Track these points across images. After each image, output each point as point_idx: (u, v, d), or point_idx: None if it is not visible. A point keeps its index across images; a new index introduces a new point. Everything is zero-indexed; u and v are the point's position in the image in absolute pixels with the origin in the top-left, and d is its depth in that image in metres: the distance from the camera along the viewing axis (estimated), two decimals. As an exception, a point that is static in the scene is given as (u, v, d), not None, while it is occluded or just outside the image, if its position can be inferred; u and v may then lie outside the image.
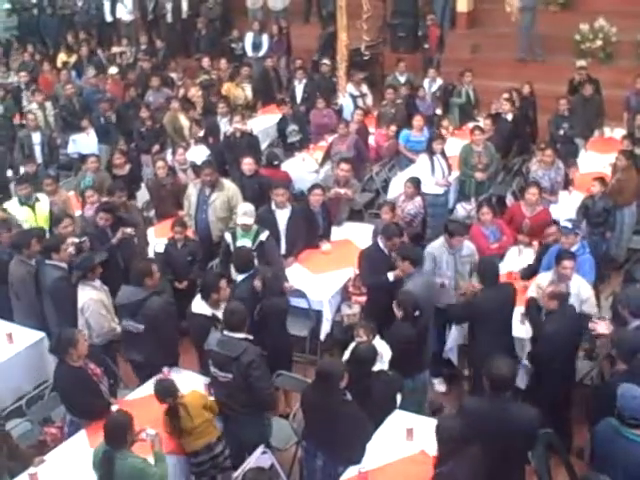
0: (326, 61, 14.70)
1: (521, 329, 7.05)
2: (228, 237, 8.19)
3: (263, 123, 13.25)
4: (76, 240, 8.12)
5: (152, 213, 10.19)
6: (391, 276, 7.35)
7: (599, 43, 14.65)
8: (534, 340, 6.66)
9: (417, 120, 11.34)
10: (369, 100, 13.73)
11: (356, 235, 9.16)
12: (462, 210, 10.22)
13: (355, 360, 6.01)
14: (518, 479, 5.64)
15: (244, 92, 14.14)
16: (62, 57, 16.93)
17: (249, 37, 16.72)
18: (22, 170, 10.77)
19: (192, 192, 9.16)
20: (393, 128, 11.80)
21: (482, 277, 6.94)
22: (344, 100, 13.52)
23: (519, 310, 7.10)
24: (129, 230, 8.39)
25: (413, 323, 6.57)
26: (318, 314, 8.05)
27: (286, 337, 7.25)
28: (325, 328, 8.09)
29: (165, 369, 6.62)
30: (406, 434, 5.89)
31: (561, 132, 11.52)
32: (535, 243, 8.50)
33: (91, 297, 7.03)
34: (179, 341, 7.19)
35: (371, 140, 11.86)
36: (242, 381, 5.93)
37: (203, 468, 5.97)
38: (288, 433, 6.42)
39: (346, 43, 13.90)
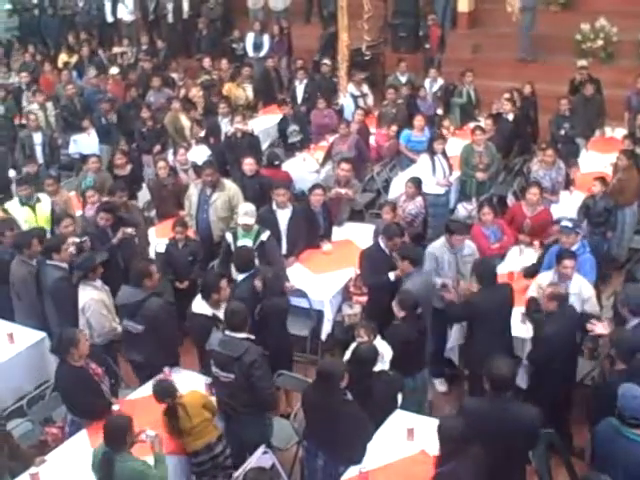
0: (327, 61, 14.70)
1: (522, 329, 7.05)
2: (229, 237, 8.20)
3: (264, 123, 13.25)
4: (77, 240, 8.13)
5: (153, 213, 10.20)
6: (392, 276, 7.36)
7: (600, 43, 14.65)
8: (534, 340, 6.65)
9: (418, 120, 11.35)
10: (370, 100, 13.73)
11: (357, 235, 9.16)
12: (463, 210, 10.22)
13: (356, 360, 6.01)
14: (519, 479, 5.64)
15: (245, 92, 14.16)
16: (63, 57, 16.94)
17: (250, 37, 16.71)
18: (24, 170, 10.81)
19: (193, 192, 9.16)
20: (394, 128, 11.81)
21: (479, 277, 6.94)
22: (345, 100, 13.52)
23: (520, 310, 7.11)
24: (130, 230, 8.40)
25: (414, 322, 6.57)
26: (319, 314, 8.05)
27: (286, 337, 7.25)
28: (326, 328, 8.09)
29: (166, 369, 6.62)
30: (407, 434, 5.89)
31: (562, 132, 11.53)
32: (536, 243, 8.50)
33: (92, 297, 7.03)
34: (179, 341, 7.20)
35: (372, 140, 11.86)
36: (244, 381, 5.93)
37: (204, 468, 5.97)
38: (289, 433, 6.42)
39: (347, 43, 13.90)
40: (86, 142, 12.15)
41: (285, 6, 17.74)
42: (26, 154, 11.49)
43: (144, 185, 10.75)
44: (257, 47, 16.60)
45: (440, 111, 13.20)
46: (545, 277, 7.28)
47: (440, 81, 13.76)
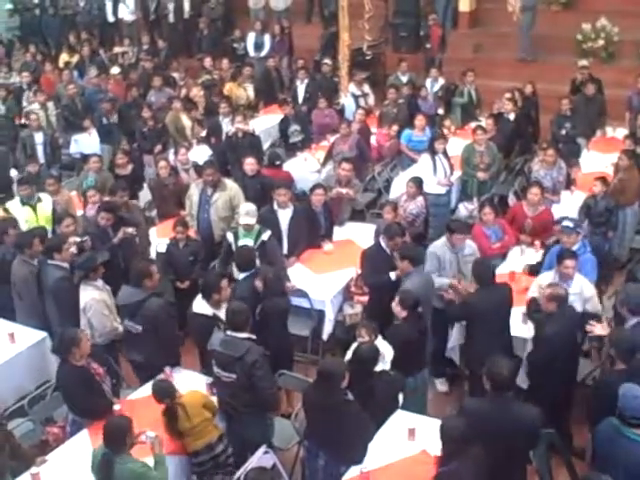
0: (327, 61, 14.70)
1: (523, 329, 7.05)
2: (230, 237, 8.20)
3: (265, 123, 13.25)
4: (78, 239, 8.13)
5: (154, 213, 10.20)
6: (393, 276, 7.36)
7: (601, 43, 14.65)
8: (535, 340, 6.65)
9: (419, 120, 11.35)
10: (371, 100, 13.73)
11: (358, 235, 9.16)
12: (464, 210, 10.21)
13: (357, 360, 6.01)
14: (520, 479, 5.64)
15: (246, 92, 14.15)
16: (64, 57, 16.93)
17: (251, 37, 16.71)
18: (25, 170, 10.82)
19: (194, 192, 9.16)
20: (395, 128, 11.82)
21: (477, 278, 6.94)
22: (346, 100, 13.52)
23: (521, 310, 7.11)
24: (130, 230, 8.40)
25: (415, 321, 6.58)
26: (320, 314, 8.04)
27: (287, 337, 7.25)
28: (327, 328, 8.09)
29: (167, 369, 6.63)
30: (408, 434, 5.89)
31: (563, 132, 11.53)
32: (537, 243, 8.50)
33: (93, 297, 7.03)
34: (180, 342, 7.20)
35: (373, 140, 11.86)
36: (246, 381, 5.94)
37: (204, 468, 5.97)
38: (290, 433, 6.42)
39: (348, 43, 13.89)
40: (87, 142, 12.15)
41: (286, 6, 17.73)
42: (27, 154, 11.50)
43: (145, 185, 10.76)
44: (258, 47, 16.59)
45: (441, 111, 13.20)
46: (546, 277, 7.28)
47: (441, 81, 13.76)
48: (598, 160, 10.84)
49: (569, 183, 9.95)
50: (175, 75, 15.09)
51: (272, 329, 6.82)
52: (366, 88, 13.82)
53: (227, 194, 8.97)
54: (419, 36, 16.25)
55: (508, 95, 11.99)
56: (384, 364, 6.20)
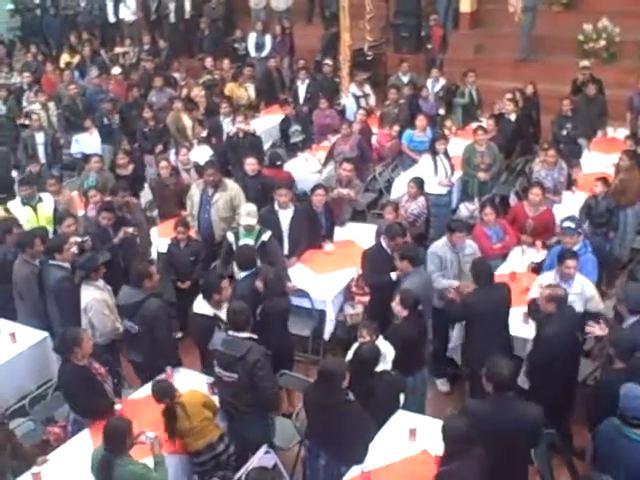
0: (328, 61, 14.70)
1: (524, 329, 7.05)
2: (230, 237, 8.21)
3: (266, 123, 13.25)
4: (78, 239, 8.14)
5: (155, 213, 10.20)
6: (394, 276, 7.36)
7: (602, 43, 14.65)
8: (535, 340, 6.65)
9: (420, 120, 11.35)
10: (372, 100, 13.74)
11: (359, 235, 9.16)
12: (465, 210, 10.21)
13: (358, 360, 6.01)
14: (521, 479, 5.64)
15: (247, 92, 14.15)
16: (65, 57, 16.93)
17: (252, 37, 16.71)
18: (27, 170, 10.83)
19: (195, 192, 9.16)
20: (396, 128, 11.81)
21: (475, 277, 6.95)
22: (347, 100, 13.53)
23: (522, 310, 7.12)
24: (130, 230, 8.41)
25: (416, 320, 6.59)
26: (321, 314, 8.04)
27: (288, 337, 7.25)
28: (329, 328, 8.09)
29: (168, 369, 6.63)
30: (409, 434, 5.90)
31: (564, 132, 11.53)
32: (538, 243, 8.50)
33: (94, 297, 7.04)
34: (176, 343, 7.20)
35: (373, 140, 11.86)
36: (247, 380, 5.94)
37: (206, 467, 5.97)
38: (291, 432, 6.43)
39: (349, 43, 13.89)
40: (88, 142, 12.16)
41: (287, 6, 17.75)
42: (28, 154, 11.51)
43: (146, 185, 10.76)
44: (259, 47, 16.59)
45: (442, 111, 13.21)
46: (547, 277, 7.28)
47: (442, 81, 13.75)
48: (599, 160, 10.83)
49: (570, 183, 9.94)
50: (176, 75, 15.10)
51: (273, 329, 6.82)
52: (367, 88, 13.83)
53: (228, 194, 8.98)
54: (420, 37, 16.25)
55: (509, 95, 11.99)
56: (385, 364, 6.20)
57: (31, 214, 9.12)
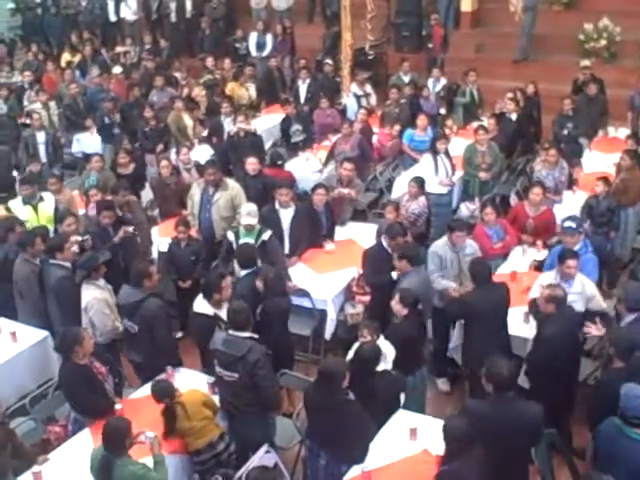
0: (329, 61, 14.70)
1: (524, 328, 7.05)
2: (231, 236, 8.21)
3: (267, 123, 13.25)
4: (79, 238, 8.14)
5: (156, 212, 10.20)
6: (394, 275, 7.35)
7: (603, 43, 14.63)
8: (535, 340, 6.65)
9: (421, 120, 11.34)
10: (373, 100, 13.74)
11: (360, 235, 9.16)
12: (466, 210, 10.21)
13: (359, 360, 6.01)
14: (522, 479, 5.64)
15: (248, 92, 14.16)
16: (66, 57, 16.94)
17: (253, 37, 16.72)
18: (27, 170, 10.83)
19: (195, 191, 9.17)
20: (397, 128, 11.81)
21: (474, 277, 6.96)
22: (348, 100, 13.52)
23: (522, 310, 7.12)
24: (130, 229, 8.42)
25: (416, 319, 6.59)
26: (321, 313, 8.04)
27: (288, 337, 7.24)
28: (330, 328, 8.08)
29: (169, 369, 6.64)
30: (409, 434, 5.89)
31: (565, 132, 11.53)
32: (539, 243, 8.50)
33: (95, 296, 7.04)
34: (175, 343, 7.20)
35: (374, 140, 11.86)
36: (248, 380, 5.94)
37: (206, 467, 5.97)
38: (292, 432, 6.42)
39: (350, 43, 13.89)
40: (89, 141, 12.17)
41: (288, 5, 17.74)
42: (29, 153, 11.51)
43: (147, 184, 10.76)
44: (260, 46, 16.59)
45: (443, 111, 13.21)
46: (548, 277, 7.28)
47: (443, 81, 13.75)
48: (600, 160, 10.83)
49: (571, 183, 9.94)
50: (177, 75, 15.09)
51: (273, 329, 6.82)
52: (368, 88, 13.82)
53: (229, 194, 8.98)
54: (421, 36, 16.24)
55: (510, 95, 11.99)
56: (386, 364, 6.19)
57: (31, 213, 9.12)
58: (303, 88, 14.01)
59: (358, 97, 13.47)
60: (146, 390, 6.52)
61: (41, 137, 11.81)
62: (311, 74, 14.40)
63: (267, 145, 12.30)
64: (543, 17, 14.96)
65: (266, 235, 8.05)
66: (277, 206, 8.65)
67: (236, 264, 7.54)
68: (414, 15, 16.42)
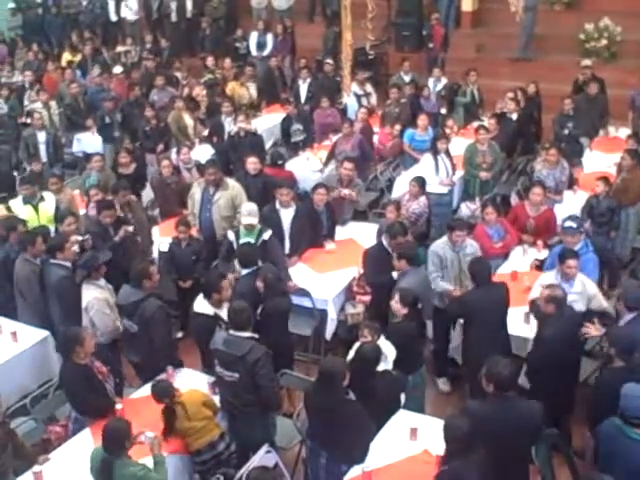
0: (330, 60, 14.70)
1: (525, 328, 7.05)
2: (231, 235, 8.21)
3: (267, 122, 13.25)
4: (79, 238, 8.14)
5: (156, 212, 10.20)
6: (395, 275, 7.35)
7: (604, 42, 14.64)
8: (535, 340, 6.65)
9: (422, 119, 11.34)
10: (373, 99, 13.72)
11: (360, 234, 9.16)
12: (466, 209, 10.20)
13: (359, 360, 6.01)
14: (522, 479, 5.64)
15: (248, 91, 14.15)
16: (67, 56, 16.94)
17: (253, 36, 16.73)
18: (28, 169, 10.83)
19: (196, 191, 9.16)
20: (397, 127, 11.81)
21: (473, 276, 6.96)
22: (348, 99, 13.51)
23: (523, 310, 7.12)
24: (130, 228, 8.42)
25: (415, 318, 6.59)
26: (322, 313, 8.04)
27: (288, 337, 7.24)
28: (330, 328, 8.08)
29: (170, 369, 6.64)
30: (410, 433, 5.89)
31: (566, 131, 11.52)
32: (540, 243, 8.50)
33: (95, 296, 7.04)
34: (176, 344, 7.19)
35: (375, 139, 11.85)
36: (248, 380, 5.94)
37: (207, 467, 5.97)
38: (292, 432, 6.42)
39: (351, 42, 13.88)
40: (89, 141, 12.18)
41: (289, 5, 17.75)
42: (30, 153, 11.51)
43: (147, 184, 10.76)
44: (260, 46, 16.60)
45: (444, 110, 13.20)
46: (548, 277, 7.28)
47: (444, 80, 13.75)
48: (601, 160, 10.83)
49: (572, 183, 9.94)
50: (178, 74, 15.07)
51: (273, 329, 6.81)
52: (368, 87, 13.81)
53: (229, 193, 8.97)
54: (422, 36, 16.25)
55: (511, 95, 11.99)
56: (386, 364, 6.19)
57: (32, 213, 9.12)
58: (304, 88, 14.01)
59: (359, 97, 13.46)
60: (146, 390, 6.51)
61: (42, 137, 11.81)
62: (312, 74, 14.40)
63: (268, 145, 12.30)
64: (544, 17, 14.97)
65: (266, 235, 8.05)
66: (278, 206, 8.65)
67: (237, 263, 7.54)
68: (415, 15, 16.43)
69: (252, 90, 14.25)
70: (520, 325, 7.12)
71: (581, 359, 6.77)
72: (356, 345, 6.33)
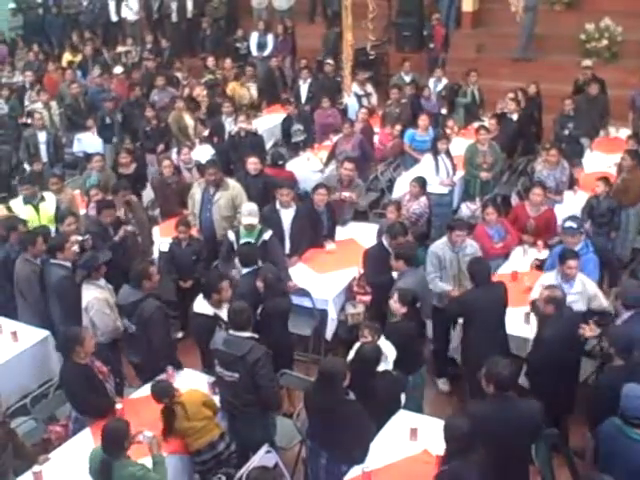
0: (330, 60, 14.70)
1: (525, 328, 7.05)
2: (231, 235, 8.21)
3: (268, 123, 13.25)
4: (79, 238, 8.14)
5: (157, 212, 10.20)
6: (395, 275, 7.35)
7: (604, 43, 14.64)
8: (535, 341, 6.65)
9: (422, 120, 11.34)
10: (374, 100, 13.72)
11: (360, 235, 9.15)
12: (467, 210, 10.20)
13: (360, 360, 6.01)
14: (523, 479, 5.64)
15: (249, 92, 14.16)
16: (67, 56, 16.95)
17: (254, 37, 16.74)
18: (27, 169, 10.82)
19: (196, 191, 9.16)
20: (398, 127, 11.82)
21: (472, 277, 6.96)
22: (349, 100, 13.51)
23: (523, 310, 7.12)
24: (130, 228, 8.42)
25: (414, 317, 6.59)
26: (322, 313, 8.04)
27: (287, 337, 7.24)
28: (331, 328, 8.08)
29: (170, 369, 6.64)
30: (410, 434, 5.89)
31: (566, 132, 11.51)
32: (540, 243, 8.50)
33: (95, 296, 7.04)
34: (174, 344, 7.20)
35: (375, 140, 11.85)
36: (248, 380, 5.94)
37: (207, 467, 5.97)
38: (292, 432, 6.42)
39: (351, 43, 13.87)
40: (90, 141, 12.19)
41: (289, 5, 17.76)
42: (30, 153, 11.52)
43: (148, 184, 10.76)
44: (261, 46, 16.61)
45: (444, 111, 13.19)
46: (548, 277, 7.28)
47: (444, 81, 13.75)
48: (601, 160, 10.83)
49: (572, 183, 9.94)
50: (178, 74, 15.07)
51: (273, 329, 6.82)
52: (369, 88, 13.81)
53: (229, 193, 8.97)
54: (422, 36, 16.26)
55: (511, 95, 11.99)
56: (387, 364, 6.19)
57: (32, 213, 9.12)
58: (304, 88, 14.01)
59: (359, 97, 13.45)
60: (147, 390, 6.51)
61: (42, 137, 11.82)
62: (312, 74, 14.40)
63: (268, 145, 12.30)
64: (544, 17, 14.97)
65: (267, 235, 8.05)
66: (278, 206, 8.65)
67: (237, 262, 7.54)
68: (415, 15, 16.44)
69: (253, 90, 14.26)
70: (520, 325, 7.12)
71: (581, 359, 6.76)
72: (356, 345, 6.33)
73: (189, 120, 12.39)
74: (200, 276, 8.19)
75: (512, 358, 6.45)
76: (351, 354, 6.31)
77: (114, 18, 18.93)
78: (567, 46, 14.82)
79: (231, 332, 6.14)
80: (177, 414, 5.87)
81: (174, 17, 18.26)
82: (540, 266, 8.05)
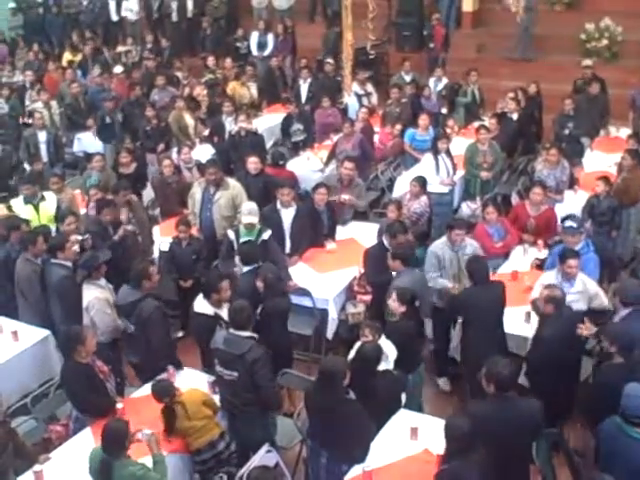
0: (330, 60, 14.69)
1: (526, 328, 7.05)
2: (231, 235, 8.20)
3: (268, 122, 13.25)
4: (79, 237, 8.15)
5: (157, 211, 10.20)
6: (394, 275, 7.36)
7: (605, 42, 14.65)
8: (534, 340, 6.65)
9: (423, 119, 11.34)
10: (374, 99, 13.72)
11: (361, 234, 9.15)
12: (467, 209, 10.21)
13: (360, 359, 6.01)
14: (523, 478, 5.64)
15: (249, 91, 14.15)
16: (67, 56, 16.94)
17: (254, 36, 16.73)
18: (27, 169, 10.81)
19: (196, 191, 9.16)
20: (398, 127, 11.82)
21: (471, 275, 6.96)
22: (349, 99, 13.51)
23: (523, 309, 7.12)
24: (130, 227, 8.42)
25: (413, 316, 6.59)
26: (322, 313, 8.04)
27: (287, 337, 7.23)
28: (331, 327, 8.08)
29: (170, 368, 6.64)
30: (410, 433, 5.89)
31: (566, 131, 11.52)
32: (540, 242, 8.50)
33: (96, 296, 7.04)
34: (175, 344, 7.20)
35: (375, 139, 11.85)
36: (248, 379, 5.94)
37: (207, 466, 5.98)
38: (293, 432, 6.42)
39: (351, 42, 13.87)
40: (90, 140, 12.19)
41: (289, 5, 17.75)
42: (31, 153, 11.52)
43: (148, 183, 10.76)
44: (261, 46, 16.61)
45: (444, 110, 13.20)
46: (549, 277, 7.28)
47: (444, 80, 13.75)
48: (601, 160, 10.83)
49: (572, 182, 9.94)
50: (178, 74, 15.06)
51: (272, 329, 6.82)
52: (369, 87, 13.81)
53: (230, 193, 8.97)
54: (422, 36, 16.27)
55: (511, 95, 12.00)
56: (387, 364, 6.19)
57: (32, 213, 9.12)
58: (304, 87, 14.01)
59: (359, 96, 13.45)
60: (147, 389, 6.51)
61: (42, 136, 11.81)
62: (312, 73, 14.41)
63: (268, 144, 12.30)
64: (545, 17, 14.98)
65: (266, 234, 8.05)
66: (278, 206, 8.65)
67: (238, 260, 7.54)
68: (415, 15, 16.44)
69: (253, 90, 14.26)
70: (520, 324, 7.12)
71: (581, 359, 6.77)
72: (357, 345, 6.33)
73: (189, 120, 12.39)
74: (200, 275, 8.20)
75: (511, 357, 6.46)
76: (352, 353, 6.31)
77: (114, 17, 18.92)
78: (567, 46, 14.83)
79: (231, 331, 6.14)
80: (177, 413, 5.87)
81: (174, 16, 18.24)
82: (540, 265, 8.06)
